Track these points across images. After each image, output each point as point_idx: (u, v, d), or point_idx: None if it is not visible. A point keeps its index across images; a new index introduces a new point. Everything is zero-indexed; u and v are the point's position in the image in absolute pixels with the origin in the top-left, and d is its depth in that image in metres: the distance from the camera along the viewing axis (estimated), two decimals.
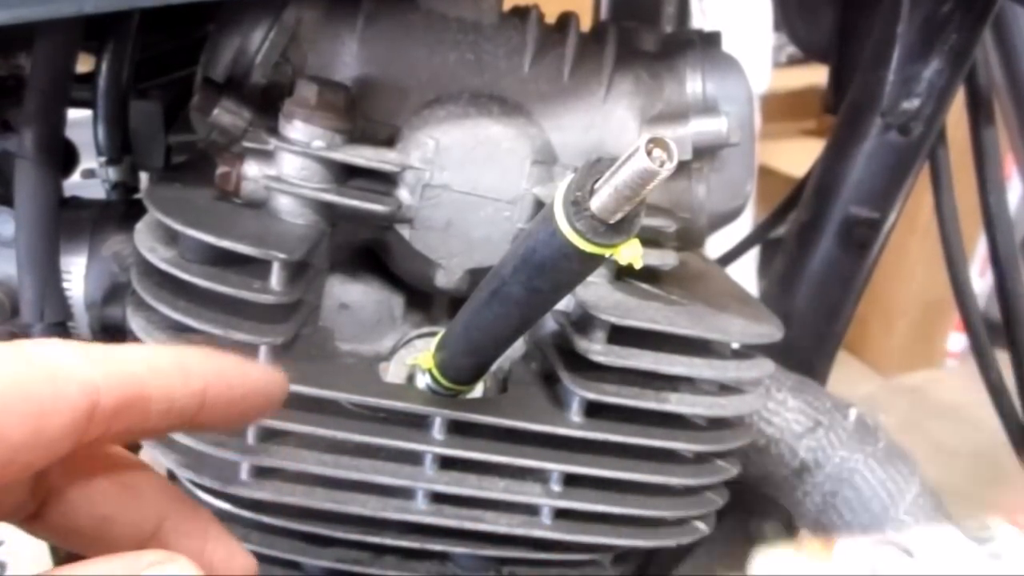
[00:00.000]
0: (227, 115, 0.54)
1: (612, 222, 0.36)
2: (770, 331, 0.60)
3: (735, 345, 0.61)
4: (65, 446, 0.30)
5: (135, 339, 0.54)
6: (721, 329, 0.57)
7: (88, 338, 0.63)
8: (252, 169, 0.55)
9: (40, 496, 0.34)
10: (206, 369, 0.36)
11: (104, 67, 0.67)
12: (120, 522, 0.35)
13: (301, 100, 0.54)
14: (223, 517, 0.57)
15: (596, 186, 0.36)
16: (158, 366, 0.34)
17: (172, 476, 0.56)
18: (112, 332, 0.62)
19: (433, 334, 0.60)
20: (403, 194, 0.57)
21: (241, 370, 0.39)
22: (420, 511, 0.56)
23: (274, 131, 0.55)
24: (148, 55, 0.78)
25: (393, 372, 0.59)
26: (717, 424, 0.61)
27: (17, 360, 0.29)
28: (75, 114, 0.65)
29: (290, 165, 0.54)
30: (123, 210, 0.66)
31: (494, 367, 0.54)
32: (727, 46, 0.65)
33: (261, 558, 0.60)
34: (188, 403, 0.35)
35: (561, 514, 0.58)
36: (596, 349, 0.55)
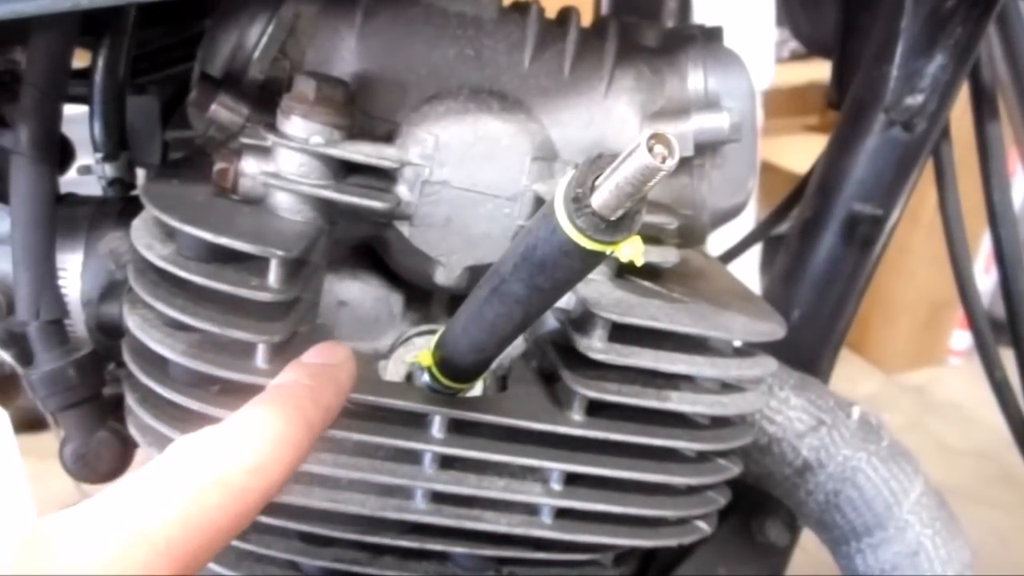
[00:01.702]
0: (224, 111, 0.54)
1: (613, 219, 0.36)
2: (772, 329, 0.59)
3: (737, 343, 0.60)
4: None
5: (131, 337, 0.54)
6: (723, 327, 0.57)
7: (84, 335, 0.62)
8: (250, 165, 0.55)
9: None
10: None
11: (100, 63, 0.66)
12: None
13: (299, 96, 0.53)
14: None
15: (597, 183, 0.36)
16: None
17: None
18: (108, 330, 0.62)
19: (432, 332, 0.59)
20: (402, 190, 0.57)
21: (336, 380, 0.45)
22: (419, 510, 0.56)
23: (272, 127, 0.54)
24: (145, 50, 0.77)
25: (392, 370, 0.58)
26: (719, 423, 0.61)
27: None
28: (71, 110, 0.64)
29: (288, 161, 0.54)
30: (120, 207, 0.65)
31: (494, 365, 0.54)
32: (729, 41, 0.65)
33: (259, 558, 0.60)
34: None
35: (561, 513, 0.58)
36: (597, 347, 0.55)
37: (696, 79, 0.62)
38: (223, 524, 0.36)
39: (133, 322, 0.54)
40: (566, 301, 0.57)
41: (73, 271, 0.62)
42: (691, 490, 0.61)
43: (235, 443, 0.38)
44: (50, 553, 0.32)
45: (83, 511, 0.34)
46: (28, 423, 0.96)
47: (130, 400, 0.56)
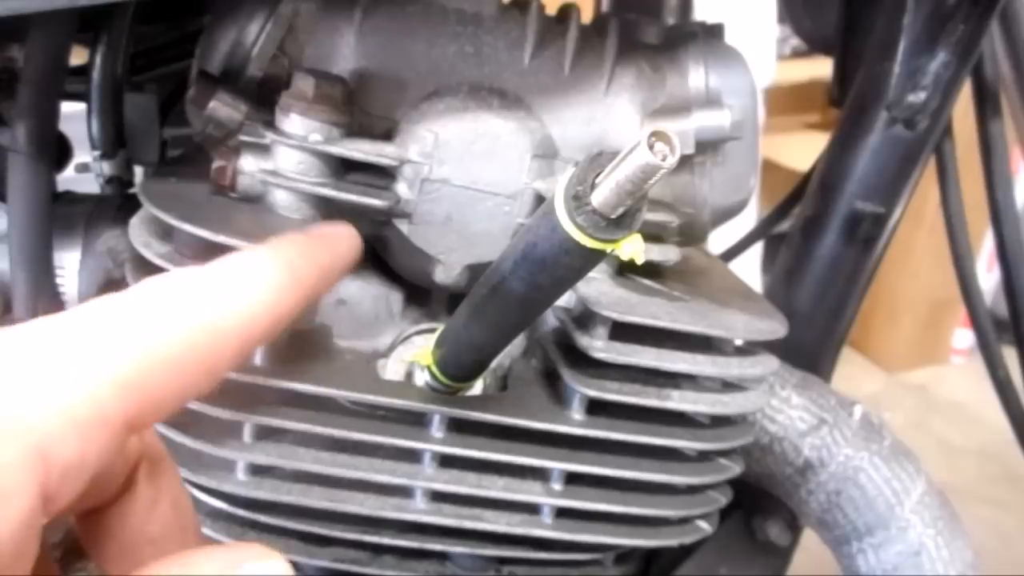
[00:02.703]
0: (223, 108, 0.54)
1: (613, 217, 0.36)
2: (774, 327, 0.59)
3: (738, 342, 0.60)
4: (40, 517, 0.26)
5: None
6: (724, 325, 0.57)
7: None
8: (248, 163, 0.55)
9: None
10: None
11: (98, 60, 0.66)
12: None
13: (298, 93, 0.53)
14: (219, 516, 0.57)
15: (597, 180, 0.35)
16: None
17: None
18: None
19: (432, 330, 0.59)
20: (401, 188, 0.56)
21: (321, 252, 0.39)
22: (419, 510, 0.56)
23: (270, 125, 0.54)
24: (143, 48, 0.77)
25: (391, 369, 0.58)
26: (720, 422, 0.61)
27: None
28: (69, 107, 0.64)
29: (287, 159, 0.54)
30: (117, 205, 0.65)
31: (494, 364, 0.54)
32: (730, 38, 0.65)
33: None
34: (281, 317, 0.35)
35: (562, 513, 0.58)
36: (597, 346, 0.54)
37: (697, 76, 0.61)
38: (193, 366, 0.31)
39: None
40: (566, 299, 0.57)
41: (71, 269, 0.62)
42: (692, 489, 0.61)
43: (206, 281, 0.33)
44: None
45: (9, 351, 0.28)
46: None
47: None
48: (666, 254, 0.59)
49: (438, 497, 0.56)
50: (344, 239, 0.42)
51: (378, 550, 0.60)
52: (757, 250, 2.38)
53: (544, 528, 0.57)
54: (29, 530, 0.26)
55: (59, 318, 0.30)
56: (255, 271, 0.35)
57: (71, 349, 0.28)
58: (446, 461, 0.55)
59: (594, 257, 0.38)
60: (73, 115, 0.67)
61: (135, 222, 0.54)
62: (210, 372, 0.32)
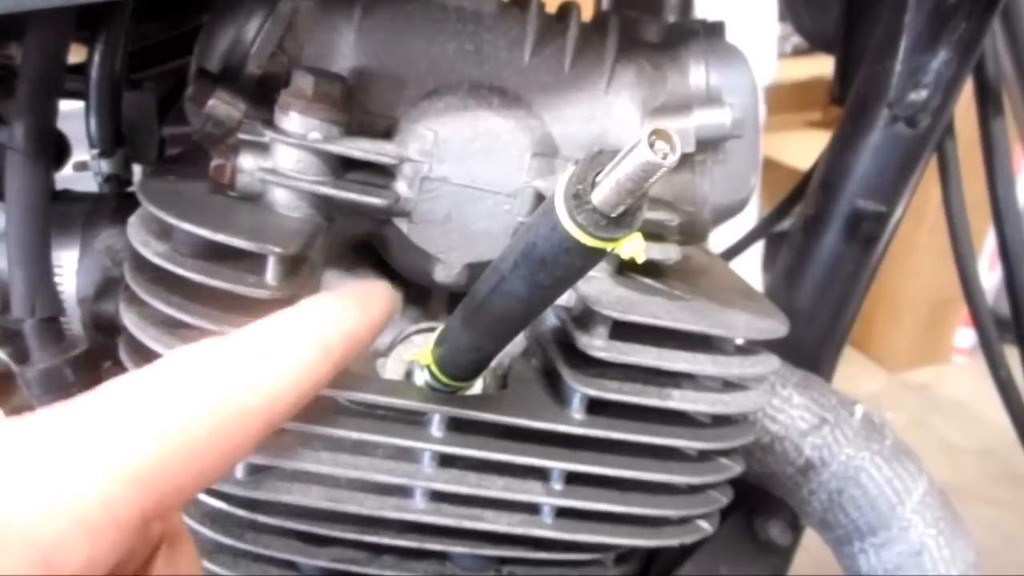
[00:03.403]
0: (222, 106, 0.54)
1: (614, 215, 0.36)
2: (775, 327, 0.59)
3: (739, 341, 0.60)
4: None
5: (128, 334, 0.53)
6: (725, 325, 0.57)
7: (80, 333, 0.62)
8: (247, 161, 0.54)
9: None
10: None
11: (97, 57, 0.66)
12: None
13: (297, 91, 0.53)
14: (218, 516, 0.56)
15: (598, 179, 0.35)
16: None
17: None
18: (104, 328, 0.61)
19: (432, 329, 0.59)
20: (401, 187, 0.56)
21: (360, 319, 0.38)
22: (418, 510, 0.56)
23: (269, 123, 0.54)
24: (142, 45, 0.77)
25: (391, 368, 0.58)
26: (721, 421, 0.60)
27: None
28: (67, 105, 0.64)
29: (286, 157, 0.54)
30: (116, 203, 0.65)
31: (494, 363, 0.53)
32: (731, 36, 0.64)
33: (256, 558, 0.59)
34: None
35: (562, 513, 0.58)
36: (597, 345, 0.54)
37: (698, 75, 0.61)
38: (216, 450, 0.30)
39: (129, 320, 0.53)
40: (566, 298, 0.57)
41: (69, 268, 0.62)
42: (693, 489, 0.61)
43: (234, 356, 0.32)
44: None
45: (16, 443, 0.27)
46: None
47: None
48: (667, 253, 0.59)
49: (438, 497, 0.56)
50: (379, 299, 0.41)
51: (377, 550, 0.59)
52: (758, 249, 2.38)
53: (544, 528, 0.57)
54: None
55: (72, 406, 0.29)
56: (284, 345, 0.33)
57: (82, 443, 0.27)
58: (446, 461, 0.55)
59: (594, 256, 0.38)
60: (71, 113, 0.67)
61: (134, 221, 0.54)
62: (233, 454, 0.31)
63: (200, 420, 0.30)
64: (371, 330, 0.39)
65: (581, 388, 0.54)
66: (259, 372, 0.32)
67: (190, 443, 0.29)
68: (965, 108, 0.84)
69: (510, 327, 0.46)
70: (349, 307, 0.38)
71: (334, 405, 0.53)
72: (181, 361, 0.31)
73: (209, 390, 0.30)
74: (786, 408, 0.73)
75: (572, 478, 0.57)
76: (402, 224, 0.57)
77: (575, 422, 0.55)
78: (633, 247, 0.37)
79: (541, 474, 0.57)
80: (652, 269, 0.60)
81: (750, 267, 2.42)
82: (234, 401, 0.31)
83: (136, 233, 0.53)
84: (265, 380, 0.32)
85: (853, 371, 2.93)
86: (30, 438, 0.27)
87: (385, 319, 0.41)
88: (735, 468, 0.61)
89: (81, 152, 0.71)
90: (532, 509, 0.58)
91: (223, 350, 0.32)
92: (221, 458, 0.30)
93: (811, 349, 0.84)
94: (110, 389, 0.30)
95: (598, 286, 0.56)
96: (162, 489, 0.28)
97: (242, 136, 0.54)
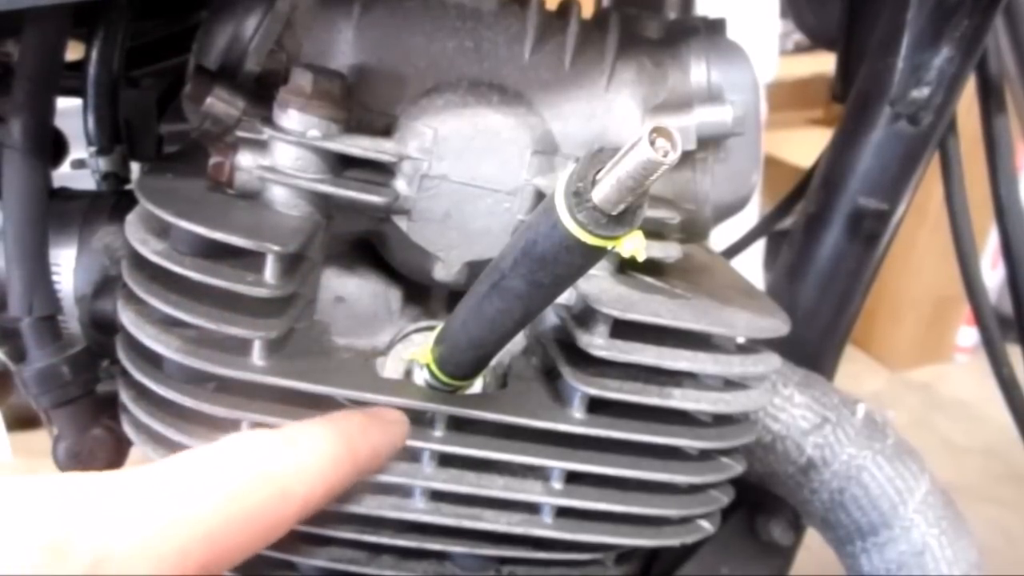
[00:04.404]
0: (220, 104, 0.53)
1: (614, 213, 0.36)
2: (776, 325, 0.59)
3: (740, 340, 0.60)
4: None
5: (126, 333, 0.53)
6: (726, 323, 0.56)
7: (77, 332, 0.62)
8: (246, 159, 0.54)
9: None
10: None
11: (94, 55, 0.66)
12: None
13: (296, 89, 0.52)
14: None
15: (598, 177, 0.35)
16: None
17: None
18: (102, 326, 0.61)
19: (431, 328, 0.59)
20: (400, 185, 0.56)
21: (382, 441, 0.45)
22: (418, 509, 0.55)
23: (268, 120, 0.53)
24: (140, 42, 0.77)
25: (390, 367, 0.58)
26: (722, 420, 0.60)
27: None
28: (65, 103, 0.64)
29: (285, 155, 0.53)
30: (114, 201, 0.64)
31: (494, 362, 0.53)
32: (732, 33, 0.64)
33: (255, 558, 0.59)
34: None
35: (562, 512, 0.57)
36: (598, 343, 0.54)
37: (699, 72, 0.61)
38: (263, 523, 0.35)
39: (127, 318, 0.53)
40: (567, 297, 0.57)
41: (66, 266, 0.62)
42: (694, 489, 0.61)
43: (282, 445, 0.38)
44: (76, 554, 0.30)
45: (118, 492, 0.32)
46: (21, 421, 0.96)
47: (124, 397, 0.55)
48: (667, 251, 0.59)
49: (437, 496, 0.56)
50: (399, 424, 0.48)
51: (377, 550, 0.59)
52: (759, 247, 2.38)
53: (544, 528, 0.57)
54: None
55: (161, 467, 0.34)
56: (322, 443, 0.40)
57: (170, 502, 0.32)
58: (445, 460, 0.55)
59: (595, 254, 0.38)
60: (69, 111, 0.67)
61: (132, 219, 0.54)
62: (275, 529, 0.36)
63: (256, 496, 0.35)
64: (389, 448, 0.47)
65: (581, 387, 0.54)
66: (302, 463, 0.38)
67: (247, 513, 0.34)
68: (967, 106, 0.84)
69: (510, 326, 0.46)
70: (372, 425, 0.46)
71: (333, 404, 0.53)
72: (244, 444, 0.37)
73: (265, 472, 0.36)
74: (787, 407, 0.72)
75: (572, 477, 0.57)
76: (401, 222, 0.57)
77: (575, 421, 0.55)
78: (634, 245, 0.37)
79: (541, 473, 0.57)
80: (653, 267, 0.60)
81: (751, 265, 2.42)
82: (285, 484, 0.36)
83: (134, 231, 0.52)
84: (307, 470, 0.38)
85: (855, 370, 2.93)
86: (125, 489, 0.32)
87: (401, 442, 0.48)
88: (736, 467, 0.61)
89: (79, 150, 0.71)
90: (532, 509, 0.57)
91: (278, 441, 0.38)
92: (267, 530, 0.36)
93: (813, 348, 0.84)
94: (189, 458, 0.35)
95: (599, 284, 0.56)
96: (223, 548, 0.33)
97: (240, 134, 0.54)
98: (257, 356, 0.51)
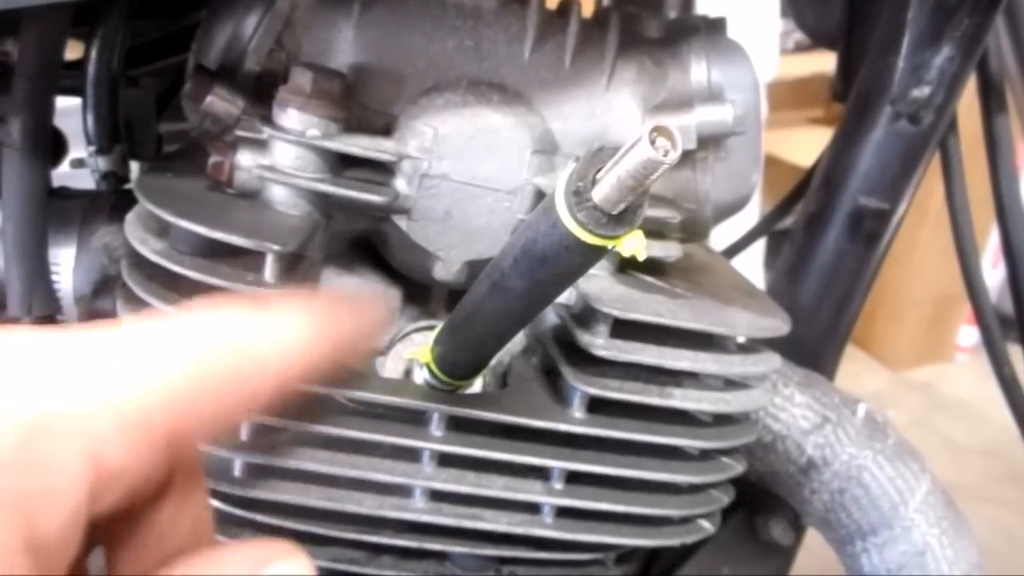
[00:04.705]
0: (220, 103, 0.53)
1: (615, 213, 0.35)
2: (777, 325, 0.59)
3: (741, 339, 0.60)
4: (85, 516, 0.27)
5: None
6: (727, 323, 0.56)
7: None
8: (245, 158, 0.54)
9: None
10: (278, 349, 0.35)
11: (94, 54, 0.65)
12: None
13: (296, 88, 0.52)
14: (215, 516, 0.56)
15: (598, 176, 0.35)
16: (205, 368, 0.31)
17: None
18: None
19: (431, 327, 0.59)
20: (400, 184, 0.56)
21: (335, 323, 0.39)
22: (418, 509, 0.55)
23: (268, 119, 0.53)
24: (139, 41, 0.77)
25: (390, 367, 0.58)
26: (722, 420, 0.60)
27: None
28: (64, 102, 0.63)
29: (284, 154, 0.53)
30: (113, 200, 0.64)
31: (494, 361, 0.53)
32: (733, 32, 0.64)
33: None
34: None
35: (562, 512, 0.57)
36: (598, 343, 0.54)
37: (699, 71, 0.61)
38: (234, 392, 0.32)
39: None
40: (567, 296, 0.57)
41: (66, 266, 0.62)
42: (694, 488, 0.61)
43: (255, 314, 0.35)
44: (17, 412, 0.26)
45: (71, 345, 0.29)
46: None
47: None
48: (668, 250, 0.59)
49: (437, 496, 0.56)
50: (367, 309, 0.42)
51: (377, 550, 0.59)
52: (760, 247, 2.38)
53: (544, 527, 0.57)
54: (75, 529, 0.27)
55: (118, 324, 0.31)
56: (298, 317, 0.36)
57: (126, 357, 0.29)
58: (445, 460, 0.55)
59: (595, 254, 0.38)
60: (68, 110, 0.67)
61: (131, 218, 0.53)
62: (249, 400, 0.33)
63: (227, 359, 0.32)
64: (360, 331, 0.41)
65: (582, 387, 0.54)
66: (275, 333, 0.35)
67: (217, 376, 0.31)
68: (968, 105, 0.84)
69: (510, 325, 0.46)
70: (351, 308, 0.40)
71: (333, 404, 0.53)
72: (212, 309, 0.34)
73: (236, 335, 0.33)
74: (788, 407, 0.72)
75: (573, 477, 0.57)
76: (401, 221, 0.57)
77: (576, 421, 0.55)
78: (634, 245, 0.37)
79: (541, 473, 0.57)
80: (653, 267, 0.60)
81: (752, 265, 2.41)
82: (256, 351, 0.33)
83: (133, 230, 0.52)
84: (280, 340, 0.35)
85: (855, 369, 2.93)
86: (79, 344, 0.29)
87: (373, 328, 0.42)
88: (737, 467, 0.61)
89: (78, 149, 0.70)
90: (532, 508, 0.57)
91: (246, 308, 0.35)
92: (239, 400, 0.33)
93: (813, 347, 0.84)
94: (151, 318, 0.32)
95: (599, 284, 0.56)
96: (188, 414, 0.30)
97: (240, 133, 0.54)
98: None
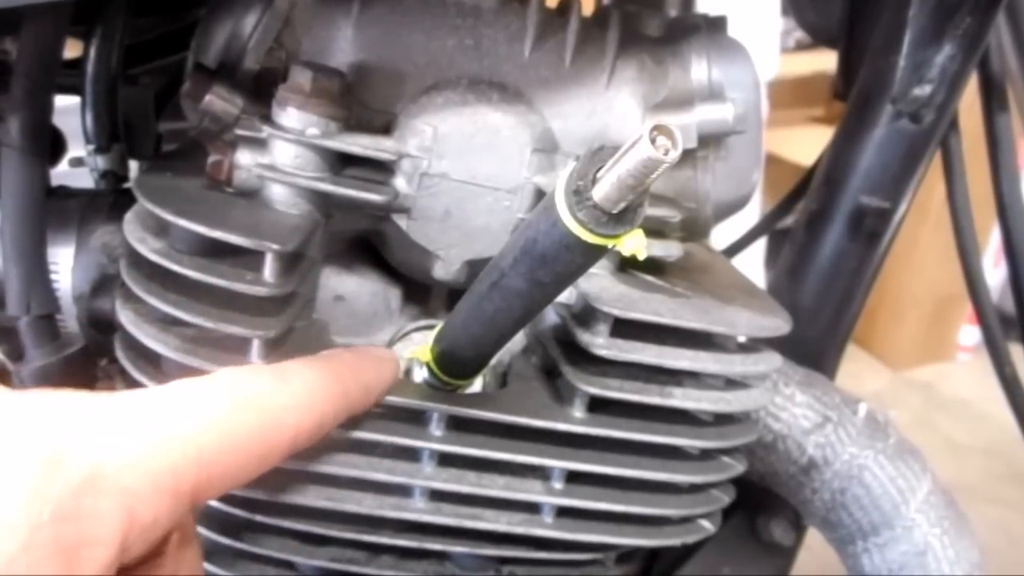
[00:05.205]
0: (219, 102, 0.53)
1: (615, 212, 0.36)
2: (777, 324, 0.58)
3: (741, 339, 0.60)
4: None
5: (124, 332, 0.53)
6: (727, 322, 0.56)
7: (76, 330, 0.62)
8: (244, 157, 0.54)
9: None
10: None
11: (93, 52, 0.66)
12: None
13: (295, 86, 0.52)
14: (215, 516, 0.56)
15: (599, 175, 0.35)
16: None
17: None
18: (100, 325, 0.61)
19: (431, 327, 0.59)
20: (400, 183, 0.56)
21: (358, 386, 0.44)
22: (418, 509, 0.55)
23: (267, 118, 0.53)
24: (138, 40, 0.76)
25: None
26: (723, 420, 0.60)
27: None
28: (63, 101, 0.63)
29: (283, 153, 0.53)
30: (112, 200, 0.64)
31: (494, 361, 0.53)
32: (733, 31, 0.64)
33: (254, 558, 0.59)
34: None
35: (563, 512, 0.57)
36: (599, 343, 0.54)
37: (700, 70, 0.61)
38: (254, 451, 0.35)
39: (126, 317, 0.53)
40: (567, 296, 0.56)
41: (64, 265, 0.61)
42: (695, 488, 0.61)
43: (275, 379, 0.38)
44: (72, 466, 0.30)
45: (113, 409, 0.32)
46: None
47: None
48: (668, 250, 0.59)
49: (437, 496, 0.55)
50: (387, 362, 0.49)
51: (376, 550, 0.59)
52: (760, 246, 2.38)
53: (545, 527, 0.57)
54: None
55: (155, 390, 0.35)
56: (312, 377, 0.40)
57: (163, 422, 0.33)
58: (445, 459, 0.55)
59: (595, 253, 0.38)
60: (67, 109, 0.67)
61: (130, 217, 0.53)
62: (265, 459, 0.37)
63: (247, 423, 0.35)
64: (380, 386, 0.47)
65: (582, 386, 0.54)
66: (294, 395, 0.39)
67: (240, 440, 0.35)
68: (969, 103, 0.84)
69: (510, 325, 0.46)
70: (364, 363, 0.46)
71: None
72: (236, 375, 0.37)
73: (257, 402, 0.36)
74: (789, 406, 0.72)
75: (573, 477, 0.56)
76: (401, 220, 0.57)
77: (576, 420, 0.55)
78: (634, 244, 0.37)
79: (541, 473, 0.56)
80: (653, 266, 0.59)
81: (752, 264, 2.41)
82: (274, 414, 0.37)
83: (132, 230, 0.52)
84: (297, 403, 0.39)
85: (856, 369, 2.93)
86: (120, 407, 0.33)
87: (391, 381, 0.49)
88: (737, 467, 0.61)
89: (77, 148, 0.70)
90: (532, 508, 0.57)
91: (269, 373, 0.39)
92: (258, 460, 0.36)
93: (814, 347, 0.83)
94: (180, 386, 0.35)
95: (599, 283, 0.56)
96: (212, 472, 0.33)
97: (239, 132, 0.53)
98: (256, 355, 0.51)
